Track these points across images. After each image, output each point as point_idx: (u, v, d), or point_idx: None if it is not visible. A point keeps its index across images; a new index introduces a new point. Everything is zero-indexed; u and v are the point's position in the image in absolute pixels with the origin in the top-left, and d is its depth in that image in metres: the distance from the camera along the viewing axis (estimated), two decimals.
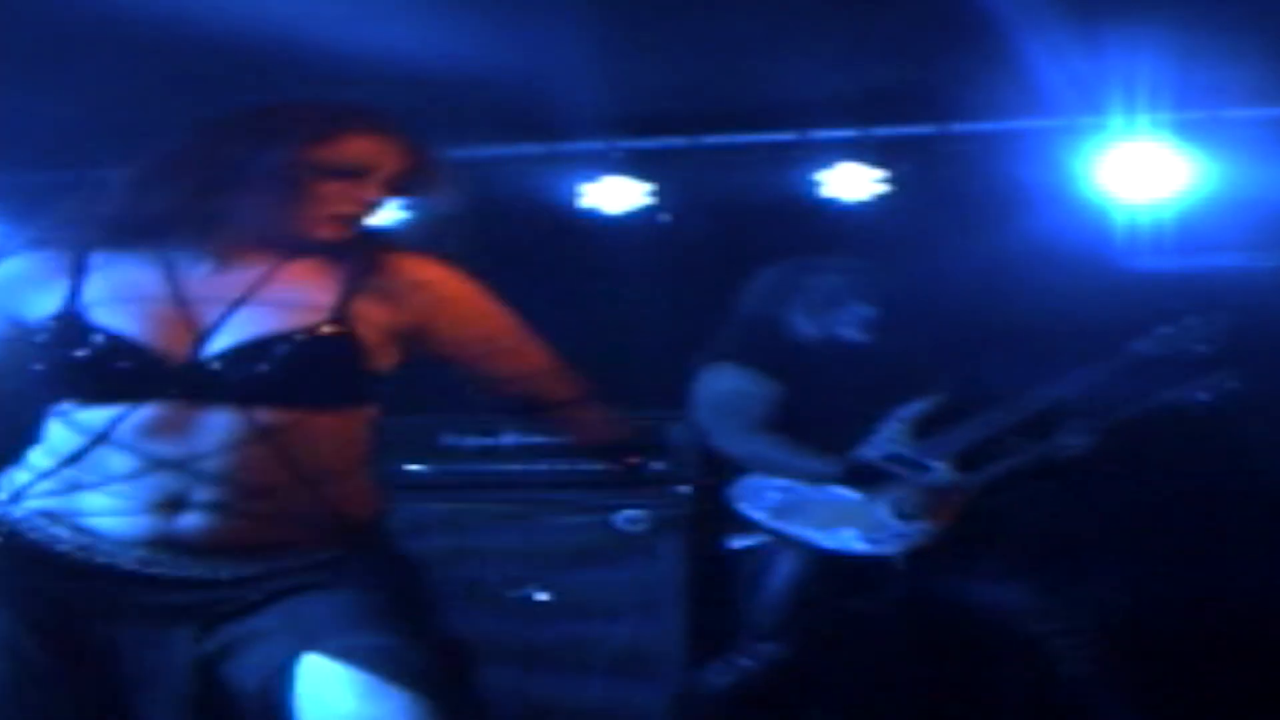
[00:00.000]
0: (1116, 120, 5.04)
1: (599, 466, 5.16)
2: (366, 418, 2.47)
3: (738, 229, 5.44)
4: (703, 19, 4.66)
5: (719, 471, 4.59)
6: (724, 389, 4.57)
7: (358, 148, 2.45)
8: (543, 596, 4.99)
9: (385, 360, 2.46)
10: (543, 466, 5.20)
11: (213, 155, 2.43)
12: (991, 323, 5.03)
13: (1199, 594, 4.98)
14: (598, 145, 5.48)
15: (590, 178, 5.56)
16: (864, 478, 4.43)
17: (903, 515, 4.40)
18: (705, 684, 4.53)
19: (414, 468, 5.18)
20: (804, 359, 4.56)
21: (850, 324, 4.60)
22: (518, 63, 4.68)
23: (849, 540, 4.40)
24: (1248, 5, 4.44)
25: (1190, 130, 5.07)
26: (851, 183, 5.43)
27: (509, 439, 5.24)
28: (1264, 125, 5.05)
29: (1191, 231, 5.23)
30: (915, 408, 4.48)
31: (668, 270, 5.52)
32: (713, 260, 5.16)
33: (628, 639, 4.91)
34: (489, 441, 5.22)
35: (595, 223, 5.60)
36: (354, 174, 2.44)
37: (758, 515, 4.47)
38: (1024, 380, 4.43)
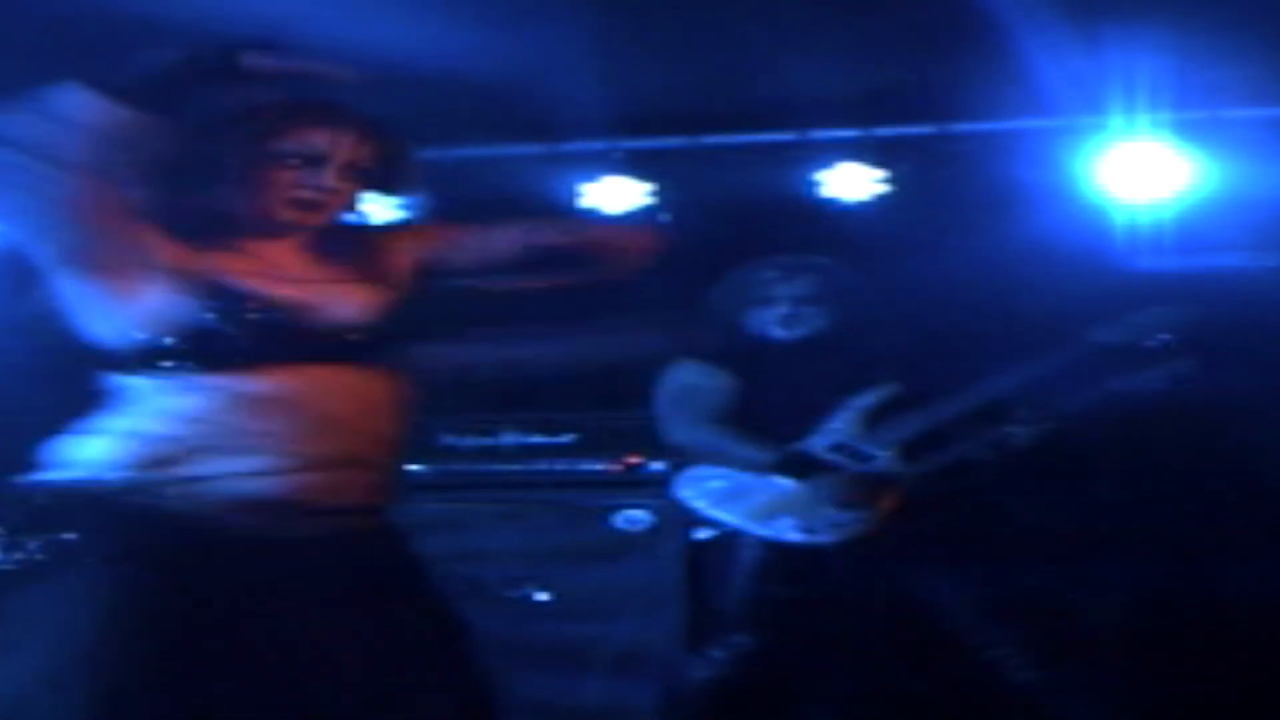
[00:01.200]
0: (1116, 120, 5.04)
1: (599, 466, 5.18)
2: None
3: (738, 229, 5.44)
4: (703, 19, 4.66)
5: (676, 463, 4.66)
6: (678, 382, 4.69)
7: (314, 136, 2.59)
8: (543, 596, 4.99)
9: None
10: (542, 466, 5.21)
11: (188, 152, 2.54)
12: (992, 322, 5.03)
13: (1191, 596, 4.98)
14: (598, 145, 5.48)
15: (590, 178, 5.56)
16: (799, 466, 4.45)
17: (840, 504, 4.41)
18: (687, 678, 4.55)
19: (414, 468, 5.18)
20: (755, 355, 4.63)
21: (776, 322, 4.67)
22: (518, 63, 4.68)
23: (784, 529, 4.43)
24: (1248, 5, 4.44)
25: (1190, 130, 5.07)
26: (851, 183, 5.43)
27: (509, 439, 5.24)
28: (1264, 125, 5.05)
29: (1191, 231, 5.23)
30: (869, 397, 4.51)
31: (668, 270, 5.51)
32: (713, 260, 5.15)
33: (628, 639, 4.91)
34: (489, 441, 5.22)
35: (595, 223, 5.60)
36: (310, 160, 2.57)
37: (698, 504, 4.52)
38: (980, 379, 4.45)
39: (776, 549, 4.44)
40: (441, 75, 4.56)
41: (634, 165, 5.55)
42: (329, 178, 2.58)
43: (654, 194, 5.60)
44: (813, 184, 5.46)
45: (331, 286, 2.56)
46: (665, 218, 5.65)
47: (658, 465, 5.07)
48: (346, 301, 2.55)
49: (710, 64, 4.96)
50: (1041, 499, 4.97)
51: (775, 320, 4.70)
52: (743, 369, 4.63)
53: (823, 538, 4.40)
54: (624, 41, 4.63)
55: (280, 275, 2.53)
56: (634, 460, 5.14)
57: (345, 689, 2.37)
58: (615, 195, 5.58)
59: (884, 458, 4.43)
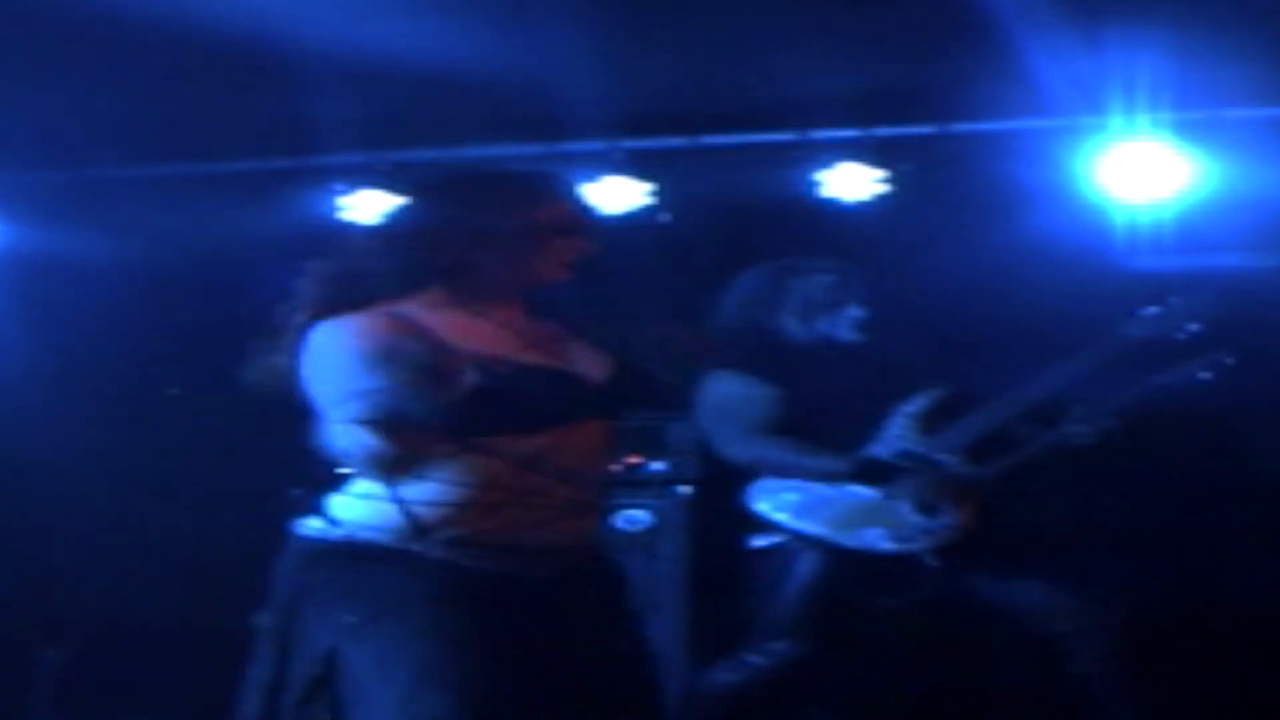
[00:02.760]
0: (1116, 120, 5.04)
1: None
2: None
3: (738, 229, 5.44)
4: (703, 19, 4.66)
5: (728, 476, 4.57)
6: (721, 395, 4.54)
7: (565, 211, 2.98)
8: None
9: None
10: None
11: (456, 218, 2.86)
12: (992, 322, 5.03)
13: (1211, 592, 4.98)
14: (598, 145, 5.48)
15: (590, 178, 5.56)
16: (876, 474, 4.41)
17: (925, 511, 4.38)
18: (713, 681, 4.52)
19: None
20: (796, 362, 4.55)
21: (844, 325, 4.58)
22: (518, 63, 4.68)
23: (875, 539, 4.38)
24: (1248, 5, 4.44)
25: (1190, 130, 5.07)
26: (851, 183, 5.43)
27: None
28: (1264, 125, 5.05)
29: (1191, 231, 5.23)
30: (919, 403, 4.47)
31: (668, 270, 5.51)
32: (713, 260, 5.15)
33: None
34: None
35: (595, 223, 5.59)
36: (569, 233, 2.95)
37: (779, 516, 4.44)
38: (1025, 379, 4.44)
39: (863, 559, 4.39)
40: (441, 75, 4.57)
41: (634, 165, 5.55)
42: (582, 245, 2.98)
43: (654, 194, 5.60)
44: (813, 184, 5.46)
45: (565, 346, 2.89)
46: (665, 218, 5.65)
47: (658, 465, 5.07)
48: (583, 360, 2.88)
49: (710, 64, 4.96)
50: (1109, 498, 5.00)
51: (845, 323, 4.59)
52: (780, 377, 4.52)
53: (915, 545, 4.37)
54: (624, 41, 4.63)
55: (525, 340, 2.83)
56: (634, 460, 5.14)
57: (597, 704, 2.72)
58: (615, 195, 5.58)
59: (952, 463, 4.40)
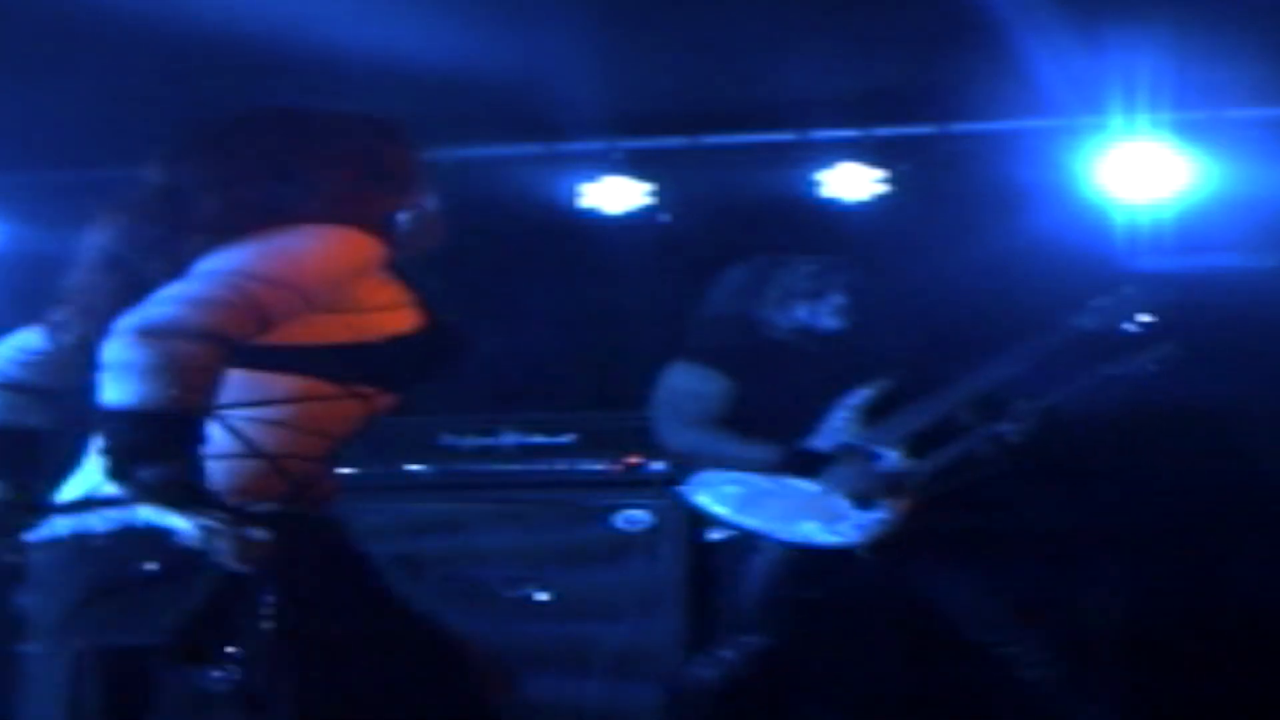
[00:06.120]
0: (1116, 120, 5.04)
1: (599, 466, 5.18)
2: None
3: (738, 229, 5.43)
4: (703, 19, 4.66)
5: (679, 465, 4.63)
6: (673, 386, 4.64)
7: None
8: (543, 596, 4.99)
9: None
10: (542, 466, 5.20)
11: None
12: (992, 322, 5.02)
13: (1191, 596, 4.98)
14: (598, 145, 5.47)
15: (590, 178, 5.55)
16: (808, 465, 4.43)
17: (860, 504, 4.40)
18: (691, 677, 4.54)
19: (414, 468, 5.18)
20: (763, 354, 4.59)
21: (825, 313, 4.63)
22: (518, 63, 4.67)
23: (811, 532, 4.41)
24: (1248, 5, 4.44)
25: (1190, 130, 5.07)
26: (851, 183, 5.43)
27: (509, 439, 5.24)
28: (1264, 125, 5.05)
29: (1191, 231, 5.23)
30: (862, 395, 4.49)
31: (668, 270, 5.52)
32: (713, 260, 5.15)
33: (628, 639, 4.92)
34: (489, 441, 5.22)
35: (595, 223, 5.60)
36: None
37: (719, 510, 4.49)
38: (971, 371, 4.44)
39: (800, 552, 4.41)
40: (441, 75, 4.57)
41: (634, 165, 5.54)
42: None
43: (654, 194, 5.60)
44: (813, 184, 5.46)
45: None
46: (665, 218, 5.65)
47: (658, 465, 5.07)
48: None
49: (710, 64, 4.95)
50: (1045, 497, 4.98)
51: (830, 311, 4.63)
52: (743, 370, 4.59)
53: (849, 539, 4.39)
54: (624, 41, 4.63)
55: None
56: (634, 460, 5.14)
57: None
58: (615, 195, 5.57)
59: (890, 456, 4.41)
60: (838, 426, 4.48)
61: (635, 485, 5.12)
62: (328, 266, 2.41)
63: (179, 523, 2.16)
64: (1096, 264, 5.18)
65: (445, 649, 2.50)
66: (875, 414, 4.48)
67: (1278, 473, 5.00)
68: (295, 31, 4.33)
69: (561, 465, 5.20)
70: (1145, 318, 4.35)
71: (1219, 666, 4.86)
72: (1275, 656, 4.87)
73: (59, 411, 2.66)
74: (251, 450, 2.36)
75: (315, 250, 2.41)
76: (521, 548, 5.06)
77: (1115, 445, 4.49)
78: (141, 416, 2.14)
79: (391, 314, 2.51)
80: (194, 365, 2.17)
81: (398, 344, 2.50)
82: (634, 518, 5.03)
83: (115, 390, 2.16)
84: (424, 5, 4.38)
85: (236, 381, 2.32)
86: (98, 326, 2.32)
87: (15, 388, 2.67)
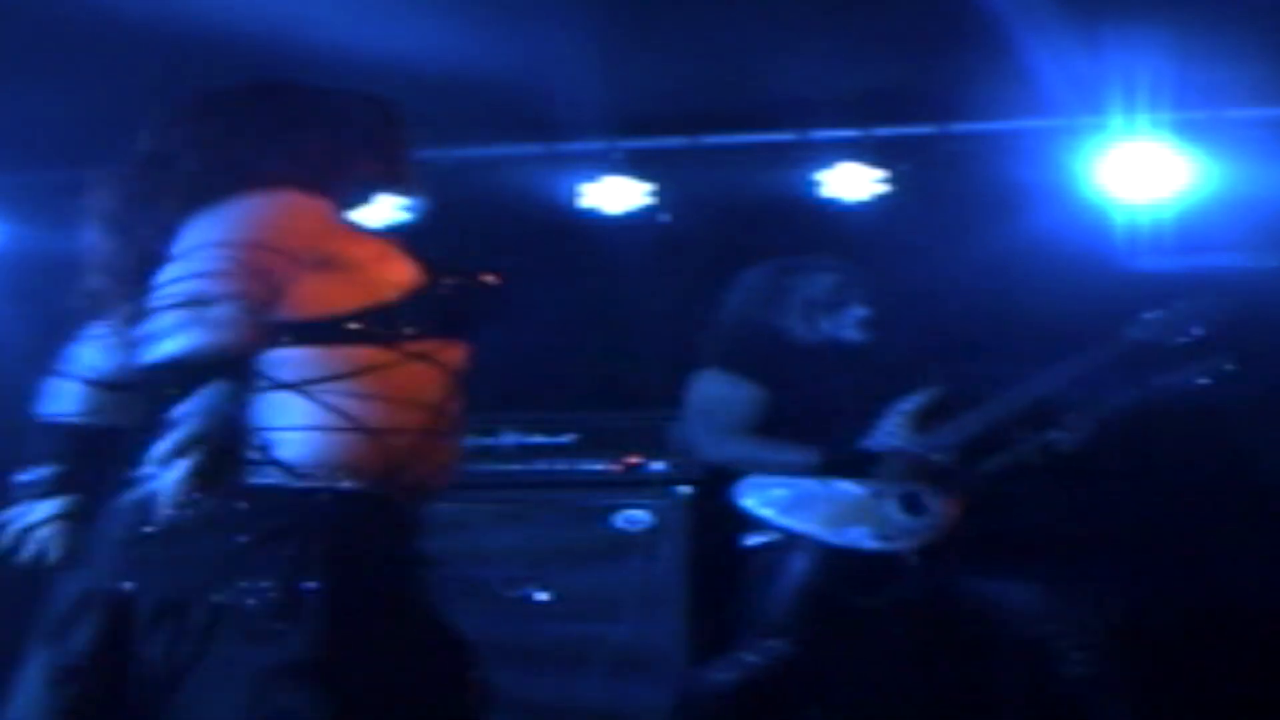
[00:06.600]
0: (1116, 120, 5.04)
1: (599, 466, 5.18)
2: None
3: (738, 229, 5.44)
4: (703, 19, 4.66)
5: (723, 475, 4.57)
6: (706, 395, 4.55)
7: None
8: (543, 596, 5.00)
9: None
10: (542, 466, 5.21)
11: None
12: (992, 322, 5.03)
13: (1204, 594, 4.98)
14: (598, 145, 5.48)
15: (590, 178, 5.56)
16: (853, 467, 4.41)
17: (910, 510, 4.38)
18: (709, 680, 4.51)
19: None
20: (793, 361, 4.54)
21: (848, 325, 4.58)
22: (518, 63, 4.67)
23: (859, 537, 4.37)
24: (1248, 5, 4.44)
25: (1190, 130, 5.07)
26: (851, 183, 5.43)
27: (509, 439, 5.24)
28: (1264, 125, 5.05)
29: (1191, 231, 5.23)
30: (914, 401, 4.46)
31: (668, 270, 5.52)
32: (713, 260, 5.15)
33: (628, 639, 4.92)
34: (489, 441, 5.22)
35: (595, 223, 5.60)
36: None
37: (765, 512, 4.44)
38: (1024, 379, 4.43)
39: (848, 557, 4.38)
40: (441, 75, 4.57)
41: (634, 165, 5.55)
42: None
43: (654, 194, 5.60)
44: (813, 184, 5.46)
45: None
46: (665, 218, 5.65)
47: (658, 465, 5.07)
48: None
49: (710, 64, 4.95)
50: (1089, 502, 4.99)
51: (850, 323, 4.57)
52: (773, 377, 4.52)
53: (898, 545, 4.36)
54: (624, 41, 4.63)
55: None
56: (634, 460, 5.14)
57: None
58: (615, 195, 5.58)
59: (939, 459, 4.39)
60: (889, 431, 4.44)
61: (635, 485, 5.13)
62: (297, 224, 2.45)
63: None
64: (1096, 264, 5.19)
65: (460, 667, 2.56)
66: (927, 419, 4.45)
67: (1278, 472, 5.00)
68: (295, 31, 4.33)
69: (561, 465, 5.20)
70: (1196, 330, 4.36)
71: (1219, 666, 4.87)
72: (1274, 657, 4.88)
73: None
74: (349, 423, 2.42)
75: (280, 209, 2.45)
76: (521, 548, 5.07)
77: (1118, 445, 4.48)
78: (179, 362, 2.19)
79: (388, 264, 2.56)
80: (224, 322, 2.21)
81: (416, 297, 2.54)
82: (634, 518, 5.03)
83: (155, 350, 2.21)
84: (424, 5, 4.39)
85: (308, 357, 2.41)
86: (122, 288, 2.44)
87: (104, 385, 2.74)
